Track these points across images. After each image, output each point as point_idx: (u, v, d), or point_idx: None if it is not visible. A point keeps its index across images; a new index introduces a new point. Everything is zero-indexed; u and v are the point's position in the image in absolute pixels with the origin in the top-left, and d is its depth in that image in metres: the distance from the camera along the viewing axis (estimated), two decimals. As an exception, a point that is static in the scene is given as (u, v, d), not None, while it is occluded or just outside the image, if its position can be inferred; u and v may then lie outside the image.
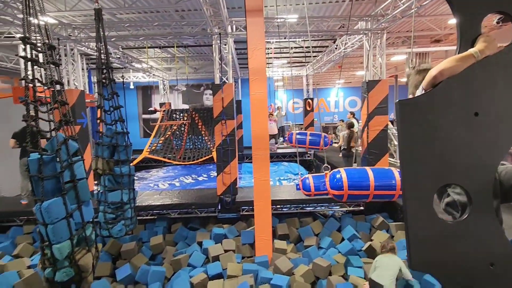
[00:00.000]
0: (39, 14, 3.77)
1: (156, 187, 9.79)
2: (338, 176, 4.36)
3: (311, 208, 7.36)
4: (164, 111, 13.36)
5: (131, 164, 5.58)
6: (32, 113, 3.48)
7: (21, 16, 5.96)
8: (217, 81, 7.04)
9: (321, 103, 23.07)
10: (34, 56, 3.65)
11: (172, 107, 15.11)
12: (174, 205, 6.96)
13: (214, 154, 11.17)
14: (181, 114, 13.41)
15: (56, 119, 4.19)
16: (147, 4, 7.52)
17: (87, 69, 10.81)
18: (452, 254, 1.13)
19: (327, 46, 12.04)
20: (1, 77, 10.12)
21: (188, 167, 12.83)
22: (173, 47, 10.06)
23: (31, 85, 3.59)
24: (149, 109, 14.83)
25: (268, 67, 14.04)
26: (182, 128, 13.21)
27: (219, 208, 7.01)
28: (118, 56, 10.32)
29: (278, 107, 16.98)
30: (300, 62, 15.27)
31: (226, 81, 7.05)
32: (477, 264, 1.13)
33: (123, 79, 7.85)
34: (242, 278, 4.87)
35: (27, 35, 3.56)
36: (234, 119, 7.11)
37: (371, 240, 5.95)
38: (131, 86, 16.06)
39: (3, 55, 9.24)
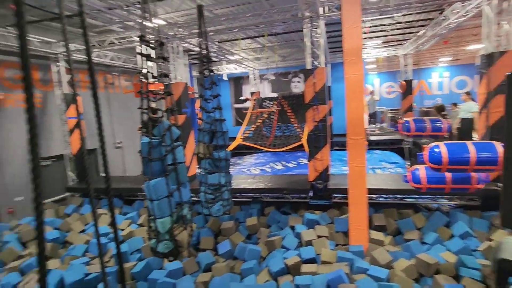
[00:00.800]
0: (152, 17, 4.31)
1: (248, 172, 10.34)
2: (437, 149, 4.11)
3: (412, 200, 6.72)
4: (254, 100, 13.89)
5: (227, 149, 6.02)
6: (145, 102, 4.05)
7: (139, 21, 6.94)
8: (309, 66, 6.93)
9: (420, 86, 20.60)
10: (147, 53, 4.22)
11: (262, 96, 15.58)
12: (267, 189, 7.26)
13: (303, 141, 11.16)
14: (271, 102, 13.73)
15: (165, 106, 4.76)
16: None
17: (188, 64, 11.98)
18: None
19: (432, 19, 10.55)
20: (124, 75, 12.05)
21: (277, 154, 13.16)
22: (263, 36, 10.27)
23: (144, 78, 4.17)
24: (240, 98, 15.63)
25: (360, 49, 13.14)
26: (272, 116, 13.53)
27: (311, 194, 7.00)
28: (214, 50, 11.10)
29: (371, 91, 15.82)
30: (397, 41, 13.83)
31: (318, 65, 6.88)
32: None
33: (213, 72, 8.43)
34: (337, 265, 4.80)
35: (143, 34, 4.12)
36: (326, 104, 6.92)
37: (490, 240, 5.12)
38: (224, 78, 17.17)
39: (126, 57, 10.93)
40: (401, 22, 10.52)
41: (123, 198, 8.37)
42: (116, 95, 11.32)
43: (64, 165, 9.40)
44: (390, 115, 17.13)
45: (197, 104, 11.63)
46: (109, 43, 8.77)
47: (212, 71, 5.96)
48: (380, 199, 6.92)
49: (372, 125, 14.86)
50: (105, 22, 8.14)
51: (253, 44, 12.81)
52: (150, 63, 4.50)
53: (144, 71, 4.13)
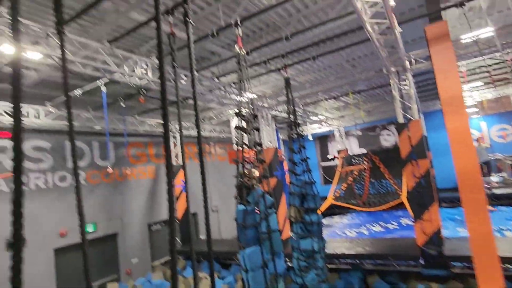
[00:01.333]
0: (246, 92, 4.89)
1: (343, 235, 9.67)
2: None
3: None
4: (342, 157, 13.58)
5: (318, 211, 5.86)
6: (240, 170, 4.37)
7: (235, 98, 7.92)
8: (401, 120, 6.62)
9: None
10: (242, 125, 4.69)
11: (350, 153, 15.16)
12: (367, 255, 6.61)
13: (403, 199, 10.14)
14: (360, 159, 13.19)
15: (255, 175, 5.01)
16: (321, 63, 8.32)
17: (275, 129, 12.72)
18: None
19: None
20: (218, 144, 13.41)
21: (373, 214, 12.10)
22: (347, 95, 10.41)
23: (240, 148, 4.57)
24: (328, 157, 15.48)
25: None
26: (363, 173, 12.87)
27: (422, 262, 6.07)
28: (300, 113, 11.64)
29: (478, 138, 13.87)
30: (503, 80, 12.27)
31: (411, 117, 6.52)
32: None
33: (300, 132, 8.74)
34: None
35: (239, 110, 4.66)
36: (427, 158, 6.33)
37: None
38: (309, 138, 17.48)
39: (221, 129, 12.29)
40: (506, 61, 9.45)
41: (220, 262, 8.64)
42: (211, 163, 12.54)
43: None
44: (509, 162, 14.43)
45: (285, 165, 11.98)
46: (209, 119, 10.09)
47: (300, 135, 6.22)
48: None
49: (488, 177, 12.68)
50: (206, 102, 9.52)
51: (336, 103, 13.04)
52: (239, 135, 4.97)
53: (240, 141, 4.57)
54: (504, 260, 4.93)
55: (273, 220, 4.06)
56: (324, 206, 11.30)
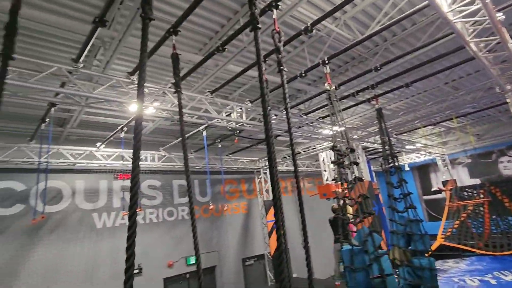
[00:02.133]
0: (338, 125, 4.84)
1: (463, 284, 8.15)
2: None
3: None
4: (450, 189, 11.86)
5: (427, 255, 5.12)
6: (335, 206, 4.19)
7: (320, 131, 7.89)
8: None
9: None
10: (338, 159, 4.58)
11: (459, 184, 13.15)
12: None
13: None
14: (474, 191, 11.28)
15: (353, 211, 4.73)
16: (415, 88, 7.73)
17: (366, 160, 12.04)
18: None
19: None
20: (307, 179, 13.29)
21: (500, 259, 9.94)
22: (450, 119, 9.31)
23: (339, 183, 4.42)
24: (432, 190, 13.72)
25: None
26: (481, 208, 10.91)
27: None
28: (393, 143, 10.84)
29: None
30: None
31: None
32: None
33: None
34: None
35: (335, 145, 4.59)
36: None
37: None
38: (406, 168, 15.89)
39: (309, 163, 12.25)
40: None
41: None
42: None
43: (264, 264, 10.48)
44: None
45: (380, 198, 11.04)
46: (296, 153, 10.23)
47: (398, 168, 5.76)
48: None
49: None
50: (294, 137, 9.74)
51: (435, 128, 11.73)
52: (332, 166, 4.84)
53: (337, 177, 4.46)
54: None
55: (386, 262, 3.72)
56: (433, 246, 9.85)
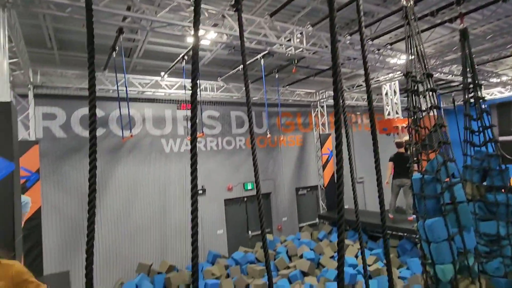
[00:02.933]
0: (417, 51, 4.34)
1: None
2: None
3: None
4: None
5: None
6: (412, 138, 3.96)
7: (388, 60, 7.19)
8: None
9: None
10: (413, 87, 4.20)
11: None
12: None
13: None
14: None
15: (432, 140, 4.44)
16: (510, 6, 6.38)
17: (437, 94, 10.92)
18: None
19: None
20: (366, 114, 12.68)
21: None
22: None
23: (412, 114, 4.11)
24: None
25: None
26: None
27: None
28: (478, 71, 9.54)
29: None
30: None
31: None
32: None
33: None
34: None
35: (409, 70, 4.18)
36: None
37: None
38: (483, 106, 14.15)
39: (359, 96, 11.52)
40: None
41: (367, 233, 8.47)
42: (358, 133, 12.07)
43: (317, 194, 10.90)
44: None
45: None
46: (357, 86, 9.63)
47: (482, 98, 5.14)
48: None
49: None
50: (353, 68, 9.08)
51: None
52: (409, 99, 4.47)
53: (410, 106, 4.15)
54: None
55: (459, 190, 3.58)
56: None
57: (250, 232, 9.37)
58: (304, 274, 6.89)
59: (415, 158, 3.73)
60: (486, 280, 5.11)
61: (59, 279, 5.24)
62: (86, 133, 7.25)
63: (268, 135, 8.28)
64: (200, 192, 8.58)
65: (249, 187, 9.34)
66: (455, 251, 3.37)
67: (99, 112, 7.43)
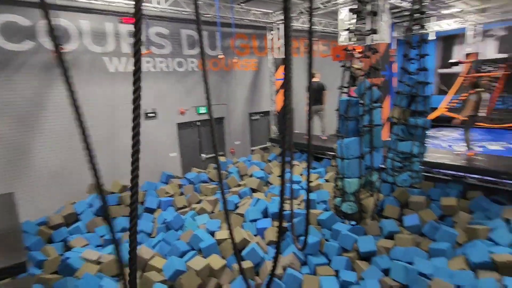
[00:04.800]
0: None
1: (449, 148, 8.87)
2: None
3: None
4: (470, 62, 11.31)
5: (428, 117, 5.35)
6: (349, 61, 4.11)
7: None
8: None
9: None
10: (359, 8, 4.19)
11: (481, 58, 12.44)
12: (474, 169, 6.08)
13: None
14: (494, 66, 10.79)
15: (365, 67, 4.67)
16: None
17: (391, 24, 11.01)
18: None
19: None
20: (322, 40, 12.58)
21: (494, 132, 10.47)
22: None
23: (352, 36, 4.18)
24: (450, 62, 13.10)
25: None
26: (494, 84, 10.70)
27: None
28: (426, 3, 9.63)
29: None
30: None
31: None
32: None
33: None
34: None
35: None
36: None
37: None
38: (431, 37, 14.72)
39: (327, 22, 11.31)
40: None
41: (313, 155, 9.22)
42: (314, 60, 12.06)
43: (269, 120, 11.25)
44: None
45: (394, 68, 10.74)
46: (315, 8, 9.29)
47: (423, 27, 5.31)
48: None
49: None
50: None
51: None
52: (354, 21, 4.50)
53: (349, 28, 4.18)
54: None
55: (377, 115, 3.95)
56: (433, 114, 10.21)
57: (203, 155, 9.65)
58: (253, 190, 7.51)
59: (347, 83, 3.95)
60: (401, 191, 6.05)
61: (3, 200, 5.12)
62: (10, 45, 6.34)
63: (221, 56, 7.95)
64: (152, 115, 8.36)
65: (202, 111, 9.28)
66: (363, 168, 3.90)
67: (23, 21, 6.41)
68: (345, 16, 8.86)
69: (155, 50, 8.33)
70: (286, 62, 1.42)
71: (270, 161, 9.42)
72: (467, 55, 12.92)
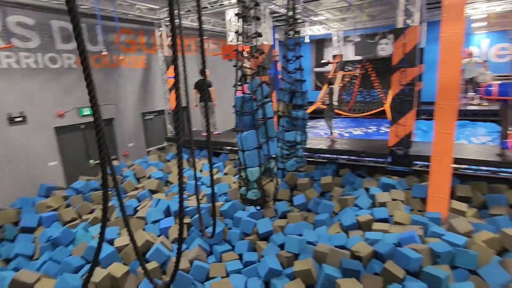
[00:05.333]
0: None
1: (326, 135, 10.46)
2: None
3: (509, 175, 6.11)
4: (336, 63, 13.49)
5: (306, 110, 6.28)
6: (240, 60, 4.50)
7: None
8: (400, 25, 6.50)
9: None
10: (242, 12, 4.59)
11: (345, 59, 14.97)
12: (343, 151, 7.41)
13: (386, 108, 10.68)
14: (354, 66, 13.18)
15: (253, 66, 5.16)
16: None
17: (272, 26, 12.13)
18: None
19: None
20: (212, 39, 12.91)
21: (357, 120, 12.84)
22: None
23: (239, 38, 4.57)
24: (321, 62, 15.30)
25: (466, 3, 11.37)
26: (354, 81, 13.06)
27: (389, 160, 6.91)
28: (299, 10, 10.98)
29: (469, 53, 13.67)
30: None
31: (411, 23, 6.40)
32: None
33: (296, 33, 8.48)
34: (410, 227, 4.88)
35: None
36: (416, 67, 6.50)
37: None
38: (306, 40, 16.84)
39: (215, 21, 11.65)
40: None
41: (212, 150, 9.47)
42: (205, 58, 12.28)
43: (164, 119, 10.95)
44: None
45: (279, 66, 11.93)
46: (203, 8, 9.48)
47: (297, 32, 6.12)
48: (469, 170, 6.45)
49: (472, 93, 13.08)
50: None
51: (340, 2, 12.19)
52: (240, 24, 4.90)
53: (240, 30, 4.55)
54: (457, 160, 5.70)
55: (269, 108, 4.43)
56: (311, 108, 11.82)
57: (91, 161, 8.74)
58: (153, 192, 7.28)
59: (239, 82, 4.34)
60: (290, 175, 6.90)
61: None
62: None
63: (104, 53, 7.35)
64: (20, 119, 7.10)
65: (86, 112, 8.38)
66: (262, 157, 4.40)
67: None
68: (232, 17, 9.36)
69: (19, 43, 7.09)
70: (173, 60, 1.57)
71: (168, 160, 9.25)
72: (334, 56, 15.36)
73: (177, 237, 1.82)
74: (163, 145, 10.85)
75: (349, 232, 5.17)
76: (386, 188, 6.20)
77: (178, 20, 3.04)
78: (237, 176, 7.66)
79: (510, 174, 6.02)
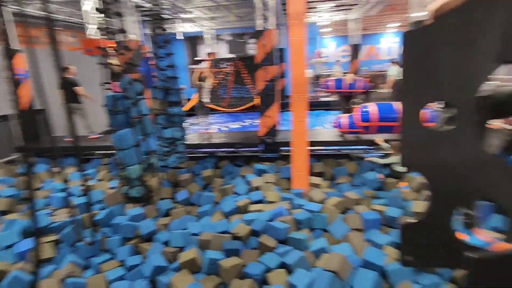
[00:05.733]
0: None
1: (206, 131, 10.79)
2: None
3: (348, 151, 7.77)
4: (210, 60, 13.94)
5: (183, 108, 6.41)
6: (105, 58, 4.26)
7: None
8: (260, 27, 7.30)
9: (371, 50, 21.86)
10: (103, 7, 4.33)
11: (219, 57, 15.60)
12: (221, 144, 7.85)
13: (256, 102, 11.79)
14: (227, 63, 13.91)
15: (121, 62, 4.95)
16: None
17: (140, 21, 11.54)
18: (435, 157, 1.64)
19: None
20: (69, 31, 11.36)
21: (234, 115, 13.66)
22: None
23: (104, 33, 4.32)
24: (195, 59, 15.53)
25: (311, 12, 13.58)
26: (228, 77, 13.80)
27: (262, 148, 7.73)
28: (168, 6, 10.84)
29: (319, 53, 16.47)
30: (348, 5, 14.41)
31: (268, 27, 7.27)
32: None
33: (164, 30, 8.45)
34: (280, 204, 5.65)
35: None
36: (274, 65, 7.46)
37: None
38: (179, 37, 16.71)
39: (71, 11, 10.27)
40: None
41: (80, 157, 8.43)
42: (62, 53, 10.70)
43: (9, 126, 9.05)
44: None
45: (152, 62, 11.51)
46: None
47: (164, 29, 6.12)
48: (323, 151, 7.86)
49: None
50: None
51: (208, 2, 12.60)
52: (101, 19, 4.60)
53: (103, 27, 4.27)
54: (312, 143, 6.88)
55: (143, 105, 4.32)
56: (189, 105, 11.94)
57: None
58: (3, 213, 6.05)
59: (108, 80, 4.12)
60: (171, 173, 6.89)
61: None
62: None
63: None
64: None
65: None
66: (142, 154, 4.34)
67: None
68: (89, 8, 8.47)
69: None
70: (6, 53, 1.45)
71: (23, 174, 7.74)
72: (208, 54, 15.80)
73: (47, 258, 1.70)
74: (12, 157, 8.98)
75: (230, 217, 5.59)
76: (259, 173, 6.93)
77: (17, 7, 2.67)
78: (115, 181, 7.15)
79: (349, 150, 7.67)
